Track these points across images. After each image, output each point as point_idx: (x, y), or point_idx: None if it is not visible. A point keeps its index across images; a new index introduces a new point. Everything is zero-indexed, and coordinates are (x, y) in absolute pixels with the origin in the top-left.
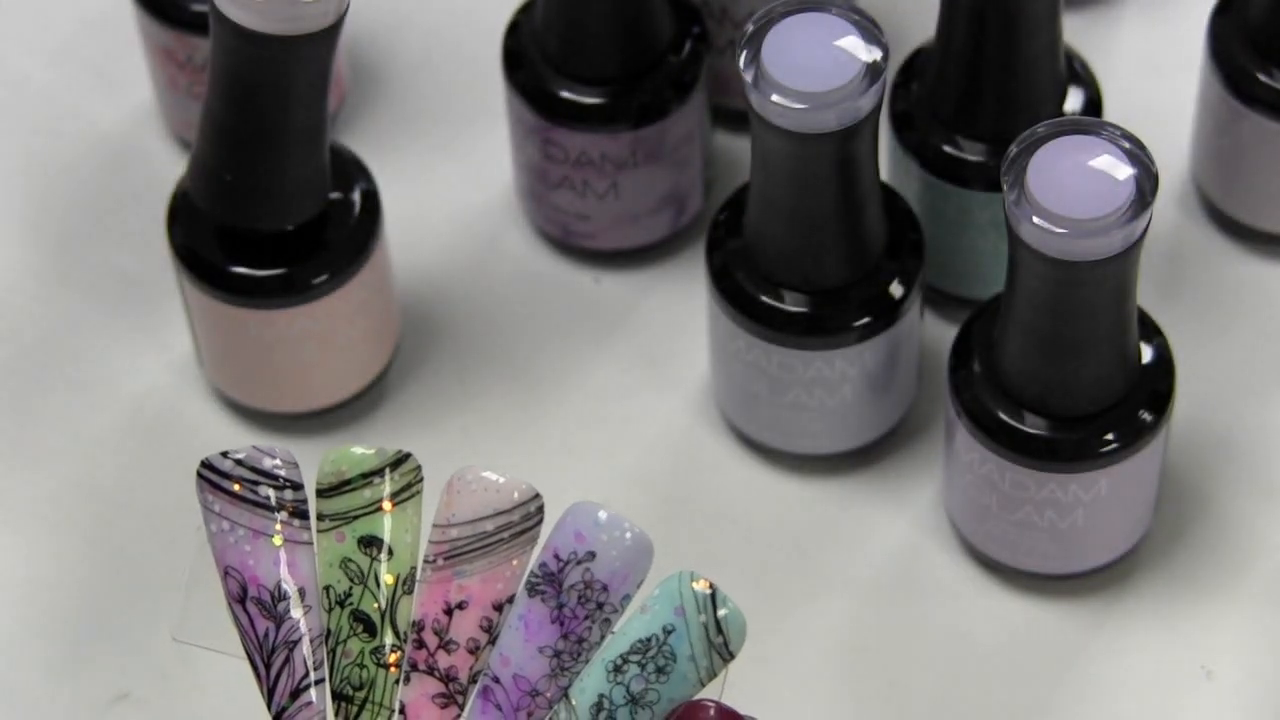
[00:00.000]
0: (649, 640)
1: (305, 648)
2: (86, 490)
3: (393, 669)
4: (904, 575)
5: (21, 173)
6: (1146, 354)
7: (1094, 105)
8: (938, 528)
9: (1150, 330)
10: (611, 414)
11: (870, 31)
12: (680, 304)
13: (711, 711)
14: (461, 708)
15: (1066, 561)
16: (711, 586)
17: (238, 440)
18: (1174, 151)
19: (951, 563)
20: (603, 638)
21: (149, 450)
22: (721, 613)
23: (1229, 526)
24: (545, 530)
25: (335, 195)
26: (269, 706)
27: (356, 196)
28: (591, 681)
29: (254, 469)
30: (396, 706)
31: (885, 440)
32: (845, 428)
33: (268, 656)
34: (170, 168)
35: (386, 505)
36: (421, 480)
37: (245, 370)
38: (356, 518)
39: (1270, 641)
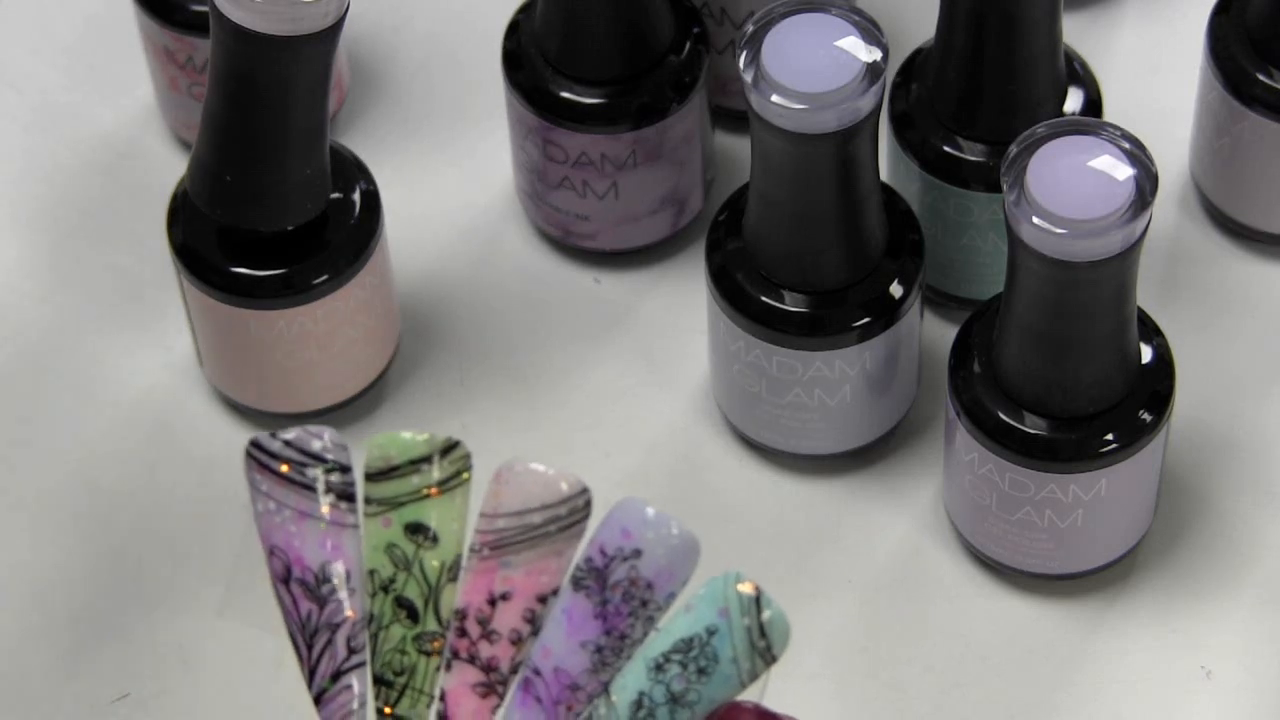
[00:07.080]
0: (691, 640)
1: (347, 631)
2: (86, 490)
3: (434, 656)
4: (904, 575)
5: (22, 173)
6: (1146, 354)
7: (1094, 105)
8: (938, 528)
9: (1150, 330)
10: (611, 414)
11: (870, 32)
12: (680, 304)
13: (751, 714)
14: (501, 698)
15: (1066, 561)
16: (756, 589)
17: (238, 440)
18: (1174, 151)
19: (951, 563)
20: (645, 635)
21: (149, 450)
22: (765, 615)
23: (1229, 526)
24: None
25: (335, 195)
26: (310, 688)
27: (356, 196)
28: (632, 679)
29: (302, 450)
30: (437, 693)
31: (885, 440)
32: (845, 428)
33: (309, 638)
34: (170, 168)
35: (434, 492)
36: (470, 468)
37: (245, 370)
38: (404, 503)
39: (1270, 641)
